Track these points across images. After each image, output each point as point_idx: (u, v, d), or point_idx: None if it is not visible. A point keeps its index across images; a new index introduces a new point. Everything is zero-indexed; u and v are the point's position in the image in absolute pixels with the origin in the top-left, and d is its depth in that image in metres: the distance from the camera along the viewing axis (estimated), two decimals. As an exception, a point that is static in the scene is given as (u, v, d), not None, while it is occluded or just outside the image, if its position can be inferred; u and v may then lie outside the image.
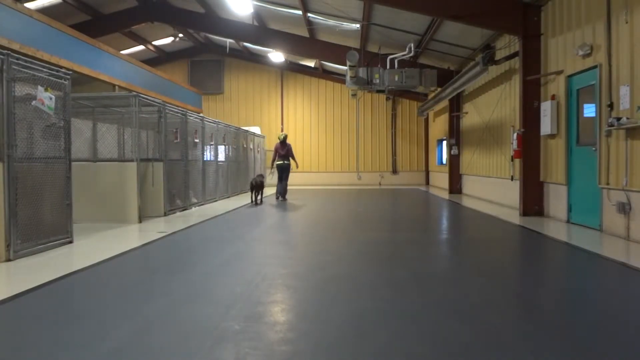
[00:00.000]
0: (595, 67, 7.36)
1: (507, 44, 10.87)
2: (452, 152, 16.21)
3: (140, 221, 8.63)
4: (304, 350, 2.86)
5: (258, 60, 22.30)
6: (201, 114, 14.21)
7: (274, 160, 13.62)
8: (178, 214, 10.26)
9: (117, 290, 4.24)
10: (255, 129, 20.08)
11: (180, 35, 19.24)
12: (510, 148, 10.52)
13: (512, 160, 10.59)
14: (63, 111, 6.31)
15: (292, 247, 6.43)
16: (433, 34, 12.72)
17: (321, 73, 22.25)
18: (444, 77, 14.84)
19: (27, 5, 12.21)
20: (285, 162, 13.59)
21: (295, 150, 22.86)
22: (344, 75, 16.46)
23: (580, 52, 7.63)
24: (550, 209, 9.07)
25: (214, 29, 17.39)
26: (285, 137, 13.88)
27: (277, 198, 13.80)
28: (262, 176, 13.44)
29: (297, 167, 14.29)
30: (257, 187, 12.75)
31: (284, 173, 13.70)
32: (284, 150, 13.59)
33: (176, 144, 10.74)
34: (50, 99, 5.94)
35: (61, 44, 10.43)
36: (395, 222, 9.16)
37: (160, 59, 21.74)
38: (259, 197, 12.87)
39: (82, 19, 15.05)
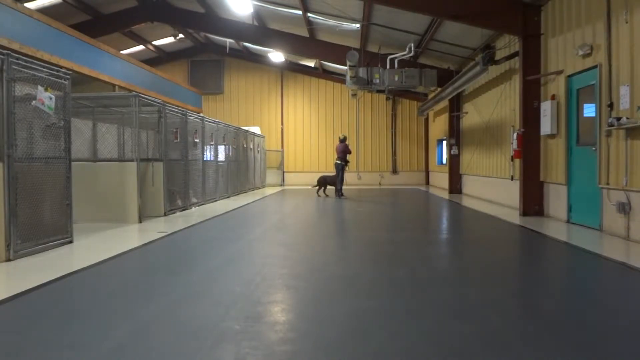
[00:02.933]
0: (595, 67, 7.35)
1: (507, 44, 10.87)
2: (452, 152, 16.21)
3: (140, 221, 8.62)
4: (304, 350, 2.86)
5: (258, 60, 22.30)
6: (201, 114, 14.21)
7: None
8: (178, 214, 10.26)
9: (117, 290, 4.24)
10: (255, 129, 20.07)
11: (181, 35, 19.24)
12: (510, 148, 10.51)
13: (512, 160, 10.58)
14: (63, 111, 6.31)
15: (291, 246, 6.44)
16: (433, 34, 12.71)
17: (321, 73, 22.25)
18: (444, 77, 14.84)
19: (27, 5, 12.21)
20: (337, 161, 14.84)
21: (295, 150, 22.95)
22: (344, 75, 16.46)
23: (580, 52, 7.63)
24: (550, 209, 9.07)
25: (214, 29, 17.39)
26: (343, 137, 15.18)
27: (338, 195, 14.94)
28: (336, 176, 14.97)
29: (346, 166, 15.12)
30: (324, 182, 15.32)
31: (337, 171, 14.90)
32: (339, 150, 14.87)
33: (176, 144, 10.74)
34: (50, 98, 5.94)
35: (61, 44, 10.43)
36: (395, 222, 9.16)
37: (160, 59, 21.73)
38: (322, 191, 15.43)
39: (82, 19, 15.05)
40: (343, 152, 14.72)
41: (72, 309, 3.75)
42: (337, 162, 14.75)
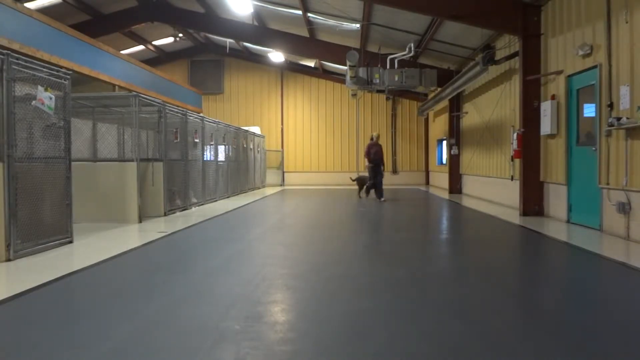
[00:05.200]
0: (595, 67, 7.35)
1: (507, 44, 10.87)
2: (452, 152, 16.21)
3: (140, 221, 8.62)
4: (304, 350, 2.86)
5: (258, 60, 22.30)
6: (201, 114, 14.21)
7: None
8: (178, 213, 10.26)
9: (117, 290, 4.24)
10: (255, 129, 20.07)
11: (180, 35, 19.24)
12: (510, 148, 10.51)
13: (512, 160, 10.59)
14: (63, 111, 6.31)
15: (291, 247, 6.43)
16: (433, 34, 12.71)
17: (321, 73, 22.25)
18: (444, 77, 14.84)
19: (27, 5, 12.21)
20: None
21: (295, 150, 22.95)
22: (344, 75, 16.46)
23: (580, 52, 7.63)
24: (550, 209, 9.07)
25: (214, 29, 17.39)
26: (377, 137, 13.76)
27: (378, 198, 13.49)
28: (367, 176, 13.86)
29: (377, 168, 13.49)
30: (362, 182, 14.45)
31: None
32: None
33: (176, 144, 10.74)
34: (50, 98, 5.94)
35: (61, 44, 10.43)
36: (395, 222, 9.16)
37: (160, 59, 21.74)
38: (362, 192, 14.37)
39: (82, 19, 15.05)
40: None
41: (72, 309, 3.75)
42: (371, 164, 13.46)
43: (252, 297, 3.95)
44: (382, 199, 13.16)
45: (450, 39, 13.03)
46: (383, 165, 13.46)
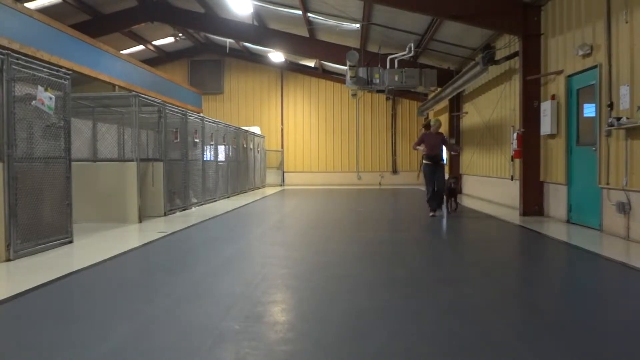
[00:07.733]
0: (595, 67, 7.35)
1: (507, 44, 10.86)
2: (452, 152, 16.20)
3: (140, 221, 8.62)
4: (303, 350, 2.86)
5: (258, 60, 22.29)
6: (201, 114, 14.21)
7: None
8: (178, 213, 10.25)
9: (117, 290, 4.24)
10: (255, 129, 20.07)
11: (180, 35, 19.24)
12: (510, 148, 10.51)
13: (512, 160, 10.58)
14: (63, 111, 6.31)
15: (291, 247, 6.44)
16: (433, 34, 12.71)
17: (321, 73, 22.25)
18: (444, 77, 14.83)
19: (27, 5, 12.20)
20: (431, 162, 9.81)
21: (295, 150, 22.94)
22: (344, 75, 16.44)
23: (580, 52, 7.63)
24: (550, 208, 9.07)
25: (214, 29, 17.39)
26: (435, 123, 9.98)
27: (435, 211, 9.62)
28: (455, 179, 10.58)
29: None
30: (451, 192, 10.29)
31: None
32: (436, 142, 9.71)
33: (176, 144, 10.73)
34: (50, 99, 5.94)
35: (61, 44, 10.42)
36: (395, 222, 9.16)
37: (160, 59, 21.73)
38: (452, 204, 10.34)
39: (82, 19, 15.04)
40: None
41: (72, 308, 3.75)
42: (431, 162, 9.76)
43: (252, 297, 3.95)
44: (433, 213, 9.51)
45: (450, 39, 13.03)
46: (443, 160, 10.03)
